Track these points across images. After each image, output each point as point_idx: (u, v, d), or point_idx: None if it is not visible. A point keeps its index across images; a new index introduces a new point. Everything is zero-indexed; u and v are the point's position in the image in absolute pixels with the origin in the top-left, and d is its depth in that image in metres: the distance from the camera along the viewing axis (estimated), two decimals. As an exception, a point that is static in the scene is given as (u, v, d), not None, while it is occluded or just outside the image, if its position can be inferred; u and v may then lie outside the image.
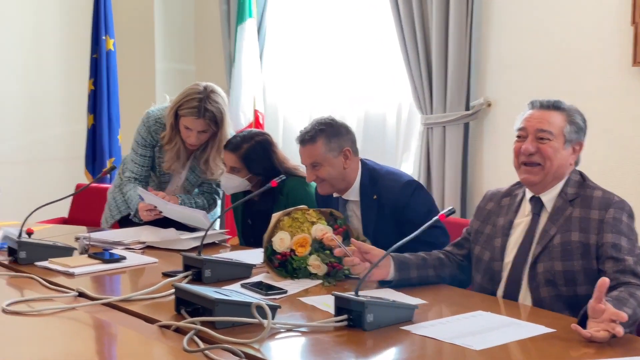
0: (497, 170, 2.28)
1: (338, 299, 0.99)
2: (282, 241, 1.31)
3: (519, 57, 2.24)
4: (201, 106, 1.80)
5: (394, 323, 0.95)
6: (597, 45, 2.06)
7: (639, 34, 1.88)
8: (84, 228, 2.12)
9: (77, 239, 1.74)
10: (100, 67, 3.12)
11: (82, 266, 1.39)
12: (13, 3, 3.29)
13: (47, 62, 3.48)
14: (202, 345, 0.76)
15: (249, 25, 2.94)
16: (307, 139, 1.58)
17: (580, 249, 1.07)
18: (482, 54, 2.38)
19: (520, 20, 2.23)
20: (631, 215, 1.11)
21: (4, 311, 1.02)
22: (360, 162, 1.66)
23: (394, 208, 1.55)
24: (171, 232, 1.76)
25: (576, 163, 1.18)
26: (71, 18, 3.54)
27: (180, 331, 0.85)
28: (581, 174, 1.18)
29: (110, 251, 1.57)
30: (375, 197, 1.60)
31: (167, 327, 0.90)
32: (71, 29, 3.53)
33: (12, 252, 1.49)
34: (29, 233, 1.52)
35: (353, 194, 1.62)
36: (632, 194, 1.65)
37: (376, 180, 1.63)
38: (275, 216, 1.37)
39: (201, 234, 1.48)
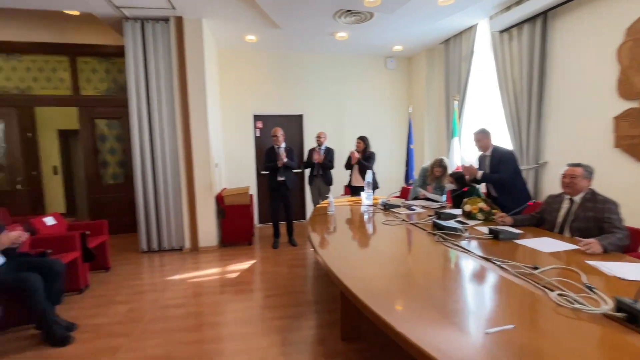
0: None
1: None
2: (467, 207, 2.63)
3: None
4: (436, 161, 3.39)
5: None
6: None
7: None
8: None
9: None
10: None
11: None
12: (366, 101, 5.85)
13: (381, 122, 5.78)
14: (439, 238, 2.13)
15: (456, 140, 4.58)
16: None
17: None
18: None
19: None
20: None
21: (383, 223, 2.74)
22: None
23: None
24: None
25: None
26: (394, 110, 5.85)
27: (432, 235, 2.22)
28: None
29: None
30: None
31: (431, 233, 2.28)
32: (394, 113, 5.82)
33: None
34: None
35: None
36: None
37: None
38: (465, 200, 2.65)
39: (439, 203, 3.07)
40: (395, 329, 1.06)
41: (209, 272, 3.49)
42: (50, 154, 6.19)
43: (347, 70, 5.73)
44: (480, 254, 1.77)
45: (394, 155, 5.93)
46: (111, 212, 4.97)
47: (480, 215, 2.52)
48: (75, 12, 4.13)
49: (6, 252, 2.26)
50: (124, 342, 2.20)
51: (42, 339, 2.19)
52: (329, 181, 4.53)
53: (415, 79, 5.83)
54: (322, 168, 4.47)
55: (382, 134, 5.88)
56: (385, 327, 1.11)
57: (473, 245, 1.94)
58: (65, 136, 6.46)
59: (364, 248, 2.14)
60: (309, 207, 5.58)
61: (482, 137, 3.01)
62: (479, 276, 1.54)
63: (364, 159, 4.25)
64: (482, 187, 3.21)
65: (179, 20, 4.00)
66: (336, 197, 3.96)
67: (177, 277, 3.37)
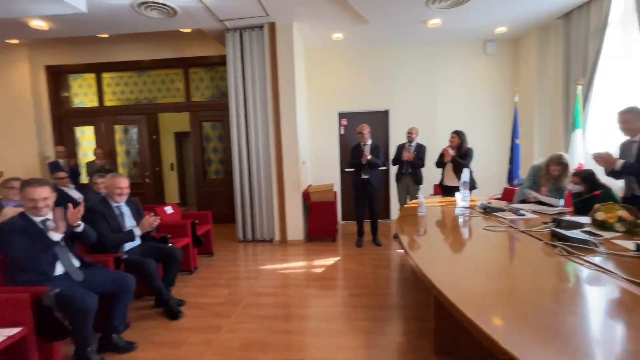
0: None
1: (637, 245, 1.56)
2: (600, 215, 2.12)
3: None
4: (553, 158, 2.90)
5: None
6: None
7: None
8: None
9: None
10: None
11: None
12: (461, 92, 5.37)
13: (479, 114, 5.37)
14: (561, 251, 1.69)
15: (579, 132, 3.84)
16: None
17: None
18: None
19: None
20: None
21: (484, 229, 2.42)
22: None
23: None
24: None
25: None
26: (494, 100, 5.33)
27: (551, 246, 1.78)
28: None
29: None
30: None
31: (550, 244, 1.83)
32: (495, 103, 5.36)
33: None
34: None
35: None
36: None
37: None
38: (597, 206, 2.16)
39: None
40: (507, 349, 0.93)
41: (296, 265, 3.65)
42: (168, 152, 7.39)
43: (438, 59, 5.33)
44: (626, 276, 1.41)
45: (495, 152, 5.30)
46: (214, 204, 5.63)
47: (619, 226, 2.02)
48: (188, 30, 4.77)
49: (143, 236, 2.74)
50: (225, 322, 2.45)
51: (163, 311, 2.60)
52: (418, 180, 4.29)
53: (523, 63, 5.08)
54: (412, 166, 4.24)
55: (480, 127, 5.30)
56: (492, 345, 0.99)
57: (611, 264, 1.57)
58: (180, 137, 7.63)
59: (460, 254, 1.94)
60: (394, 206, 5.39)
61: (631, 117, 2.42)
62: (626, 305, 1.22)
63: (459, 156, 3.89)
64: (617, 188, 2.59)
65: (272, 26, 4.27)
66: (426, 197, 3.71)
67: (268, 267, 3.62)
